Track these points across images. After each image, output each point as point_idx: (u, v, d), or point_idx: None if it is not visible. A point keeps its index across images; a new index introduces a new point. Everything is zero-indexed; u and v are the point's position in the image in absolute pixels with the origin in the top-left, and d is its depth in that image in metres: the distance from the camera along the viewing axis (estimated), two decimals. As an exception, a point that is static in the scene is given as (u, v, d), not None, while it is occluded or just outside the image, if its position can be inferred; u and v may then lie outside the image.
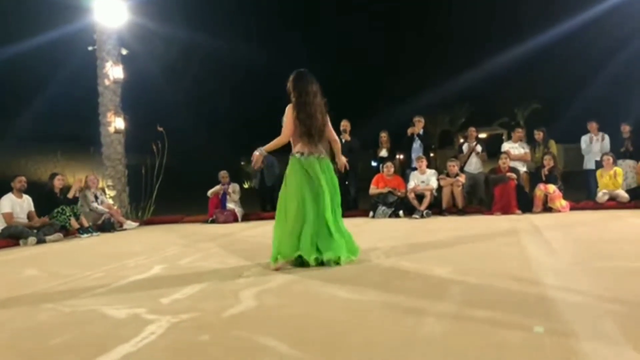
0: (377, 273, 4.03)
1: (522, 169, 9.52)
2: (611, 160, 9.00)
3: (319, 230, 4.36)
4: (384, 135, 10.39)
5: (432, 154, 10.33)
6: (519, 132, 10.30)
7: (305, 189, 4.40)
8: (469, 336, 2.41)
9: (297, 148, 4.51)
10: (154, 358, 2.38)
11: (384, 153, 10.31)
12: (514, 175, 8.86)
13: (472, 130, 10.59)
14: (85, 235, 8.39)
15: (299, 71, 4.54)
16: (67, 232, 8.39)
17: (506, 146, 9.86)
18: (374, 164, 10.69)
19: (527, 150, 9.87)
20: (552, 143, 10.03)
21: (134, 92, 11.92)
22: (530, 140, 10.48)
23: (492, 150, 10.06)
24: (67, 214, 8.44)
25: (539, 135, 10.09)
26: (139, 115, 12.42)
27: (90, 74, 11.08)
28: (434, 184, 9.10)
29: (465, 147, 10.29)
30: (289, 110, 4.46)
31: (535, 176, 9.15)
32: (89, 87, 11.22)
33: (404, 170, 10.24)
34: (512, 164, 9.20)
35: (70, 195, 8.73)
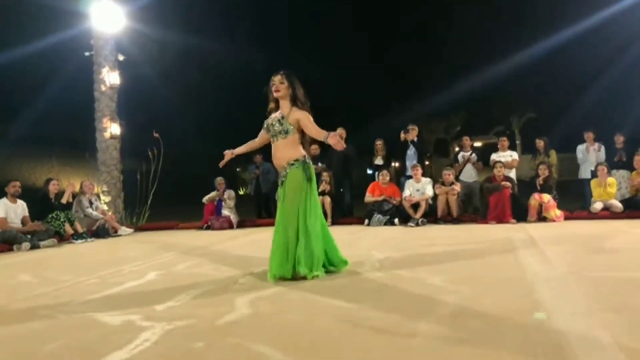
0: (372, 281, 4.02)
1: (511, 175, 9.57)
2: (605, 170, 9.04)
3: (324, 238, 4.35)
4: (379, 143, 10.42)
5: (427, 162, 10.35)
6: (504, 141, 10.32)
7: (314, 198, 4.29)
8: (462, 346, 2.41)
9: (302, 152, 4.33)
10: (148, 365, 2.38)
11: (379, 161, 10.34)
12: (508, 184, 8.90)
13: (466, 139, 10.64)
14: (80, 241, 8.37)
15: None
16: (62, 238, 8.36)
17: (494, 156, 9.89)
18: (369, 171, 10.72)
19: (515, 157, 9.95)
20: (552, 153, 10.06)
21: (130, 98, 11.92)
22: (530, 149, 10.51)
23: (487, 159, 10.11)
24: (62, 219, 8.42)
25: (540, 143, 10.11)
26: (135, 121, 12.42)
27: (87, 80, 11.08)
28: (429, 192, 9.12)
29: (461, 156, 10.34)
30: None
31: (530, 185, 9.18)
32: (86, 93, 11.22)
33: (399, 178, 10.27)
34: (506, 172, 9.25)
35: (63, 200, 8.71)
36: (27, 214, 8.30)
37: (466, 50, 30.46)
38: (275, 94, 4.33)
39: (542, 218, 8.60)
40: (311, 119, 4.24)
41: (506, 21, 28.09)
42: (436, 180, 9.84)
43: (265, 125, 4.47)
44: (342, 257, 4.48)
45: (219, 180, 10.30)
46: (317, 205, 4.35)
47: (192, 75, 25.81)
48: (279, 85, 4.30)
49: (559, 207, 8.81)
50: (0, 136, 17.80)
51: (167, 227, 10.52)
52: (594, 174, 9.41)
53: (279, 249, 4.17)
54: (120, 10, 10.91)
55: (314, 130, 4.19)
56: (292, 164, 4.28)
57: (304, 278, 4.04)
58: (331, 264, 4.37)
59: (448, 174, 9.33)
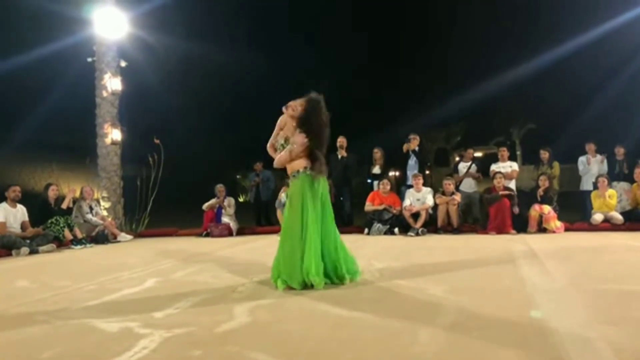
0: (372, 290, 4.01)
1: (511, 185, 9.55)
2: (605, 181, 9.04)
3: (326, 249, 4.25)
4: (377, 152, 10.38)
5: (427, 172, 10.34)
6: (504, 151, 10.30)
7: (311, 208, 4.23)
8: (462, 356, 2.41)
9: (304, 164, 4.36)
10: (145, 373, 2.36)
11: (377, 170, 10.30)
12: (506, 192, 8.88)
13: (470, 152, 10.64)
14: (79, 246, 8.35)
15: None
16: (61, 243, 8.35)
17: (494, 167, 9.87)
18: (369, 180, 10.69)
19: (515, 168, 9.93)
20: (556, 164, 10.02)
21: (131, 104, 11.94)
22: (531, 160, 10.46)
23: (487, 170, 10.10)
24: (61, 224, 8.41)
25: (544, 155, 10.07)
26: (136, 127, 12.44)
27: (89, 85, 11.11)
28: (430, 201, 9.12)
29: (461, 166, 10.33)
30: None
31: (530, 196, 9.16)
32: (87, 98, 11.24)
33: (399, 187, 10.26)
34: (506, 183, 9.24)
35: (63, 205, 8.70)
36: (26, 218, 8.28)
37: (468, 61, 30.60)
38: (284, 111, 4.39)
39: (542, 229, 8.59)
40: (299, 147, 4.29)
41: (508, 33, 28.20)
42: (436, 189, 9.84)
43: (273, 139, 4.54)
44: (354, 268, 4.44)
45: (219, 187, 10.30)
46: (317, 214, 4.28)
47: (193, 81, 25.89)
48: (296, 106, 4.35)
49: (560, 218, 8.80)
50: (2, 141, 17.82)
51: (167, 234, 10.51)
52: (595, 186, 9.40)
53: (287, 258, 4.19)
54: (123, 16, 10.96)
55: (287, 155, 4.33)
56: (295, 175, 4.35)
57: (311, 286, 4.05)
58: (340, 275, 4.28)
59: (448, 184, 9.33)
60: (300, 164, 4.35)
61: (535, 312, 2.84)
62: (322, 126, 4.35)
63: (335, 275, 4.25)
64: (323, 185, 4.40)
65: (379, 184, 9.71)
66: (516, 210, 8.88)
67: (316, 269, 4.07)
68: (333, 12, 34.23)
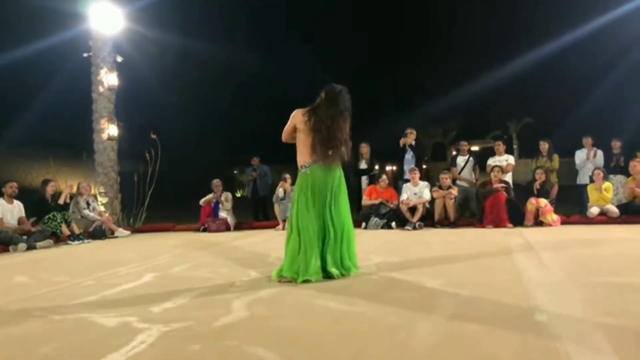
0: (369, 284, 4.02)
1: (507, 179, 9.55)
2: (601, 175, 9.06)
3: (328, 243, 4.26)
4: (364, 147, 10.30)
5: (424, 166, 10.33)
6: (500, 145, 10.29)
7: (303, 206, 4.25)
8: (460, 349, 2.42)
9: (300, 161, 4.38)
10: (144, 367, 2.37)
11: (363, 165, 10.26)
12: (500, 185, 8.89)
13: (465, 144, 10.62)
14: (76, 242, 8.35)
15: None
16: (58, 239, 8.34)
17: (490, 161, 9.87)
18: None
19: (512, 162, 9.91)
20: (555, 157, 10.02)
21: (128, 99, 11.92)
22: (528, 153, 10.46)
23: (483, 164, 10.10)
24: (58, 220, 8.40)
25: (544, 146, 10.06)
26: (132, 123, 12.42)
27: (85, 81, 11.08)
28: (426, 196, 9.13)
29: (459, 160, 10.32)
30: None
31: (527, 190, 9.18)
32: (84, 94, 11.21)
33: (396, 181, 10.26)
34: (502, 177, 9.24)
35: (60, 201, 8.69)
36: (23, 214, 8.28)
37: (465, 56, 30.57)
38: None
39: (538, 222, 8.61)
40: (289, 122, 4.40)
41: (505, 27, 28.16)
42: (433, 183, 9.85)
43: None
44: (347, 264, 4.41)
45: (216, 182, 10.28)
46: (313, 211, 4.26)
47: (190, 76, 25.80)
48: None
49: (558, 211, 8.82)
50: (-1, 137, 17.79)
51: (164, 229, 10.51)
52: (592, 179, 9.41)
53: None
54: (119, 11, 10.92)
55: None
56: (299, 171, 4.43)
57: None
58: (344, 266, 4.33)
59: (445, 178, 9.34)
60: (299, 160, 4.38)
61: (539, 315, 2.85)
62: (330, 118, 4.29)
63: (334, 266, 4.24)
64: (333, 175, 4.35)
65: (366, 179, 9.76)
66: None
67: (289, 266, 4.16)
68: (333, 12, 34.14)
